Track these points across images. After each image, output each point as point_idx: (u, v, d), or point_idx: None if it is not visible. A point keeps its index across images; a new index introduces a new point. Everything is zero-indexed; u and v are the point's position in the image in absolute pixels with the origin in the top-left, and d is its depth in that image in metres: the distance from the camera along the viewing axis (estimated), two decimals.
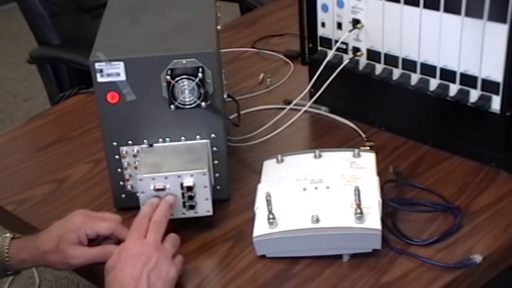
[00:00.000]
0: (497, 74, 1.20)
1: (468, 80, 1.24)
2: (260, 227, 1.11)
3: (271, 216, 1.10)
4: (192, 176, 1.13)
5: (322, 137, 1.43)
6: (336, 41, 1.39)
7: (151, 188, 1.13)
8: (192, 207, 1.14)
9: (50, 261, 1.12)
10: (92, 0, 2.16)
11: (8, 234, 1.16)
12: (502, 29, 1.16)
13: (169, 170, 1.13)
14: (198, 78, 1.13)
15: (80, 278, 2.19)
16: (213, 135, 1.19)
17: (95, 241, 1.13)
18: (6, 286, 2.26)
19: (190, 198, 1.13)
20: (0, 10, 4.27)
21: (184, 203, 1.14)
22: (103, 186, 1.30)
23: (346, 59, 1.38)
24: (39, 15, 2.05)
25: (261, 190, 1.18)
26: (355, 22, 1.35)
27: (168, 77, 1.13)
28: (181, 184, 1.13)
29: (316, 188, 1.15)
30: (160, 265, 1.03)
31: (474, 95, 1.25)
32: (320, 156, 1.23)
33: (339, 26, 1.38)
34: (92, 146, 1.43)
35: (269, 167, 1.25)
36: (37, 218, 1.25)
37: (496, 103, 1.22)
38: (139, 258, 1.03)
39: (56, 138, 1.49)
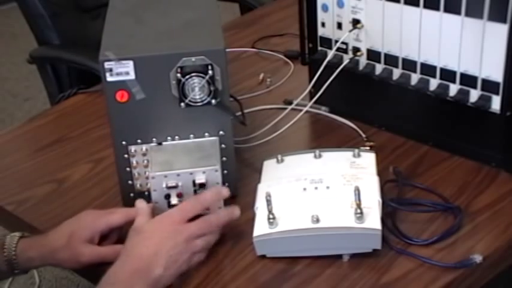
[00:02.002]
0: (497, 74, 1.20)
1: (468, 80, 1.24)
2: (260, 227, 1.11)
3: (271, 216, 1.10)
4: (204, 172, 1.13)
5: (322, 137, 1.43)
6: (336, 41, 1.39)
7: (164, 185, 1.12)
8: None
9: (59, 259, 1.12)
10: (92, 0, 2.16)
11: (16, 233, 1.16)
12: (502, 29, 1.16)
13: (181, 168, 1.13)
14: (208, 76, 1.13)
15: (80, 278, 2.19)
16: (221, 132, 1.19)
17: (104, 241, 1.14)
18: (6, 286, 2.26)
19: None
20: (0, 10, 4.27)
21: None
22: (103, 186, 1.30)
23: (346, 59, 1.38)
24: (39, 15, 2.05)
25: (261, 190, 1.18)
26: (355, 22, 1.35)
27: (179, 75, 1.13)
28: (194, 181, 1.13)
29: (316, 188, 1.15)
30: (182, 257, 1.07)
31: (474, 95, 1.25)
32: (320, 156, 1.23)
33: (339, 26, 1.38)
34: (92, 146, 1.44)
35: (269, 167, 1.25)
36: (37, 218, 1.25)
37: (496, 103, 1.22)
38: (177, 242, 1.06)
39: (56, 138, 1.49)
